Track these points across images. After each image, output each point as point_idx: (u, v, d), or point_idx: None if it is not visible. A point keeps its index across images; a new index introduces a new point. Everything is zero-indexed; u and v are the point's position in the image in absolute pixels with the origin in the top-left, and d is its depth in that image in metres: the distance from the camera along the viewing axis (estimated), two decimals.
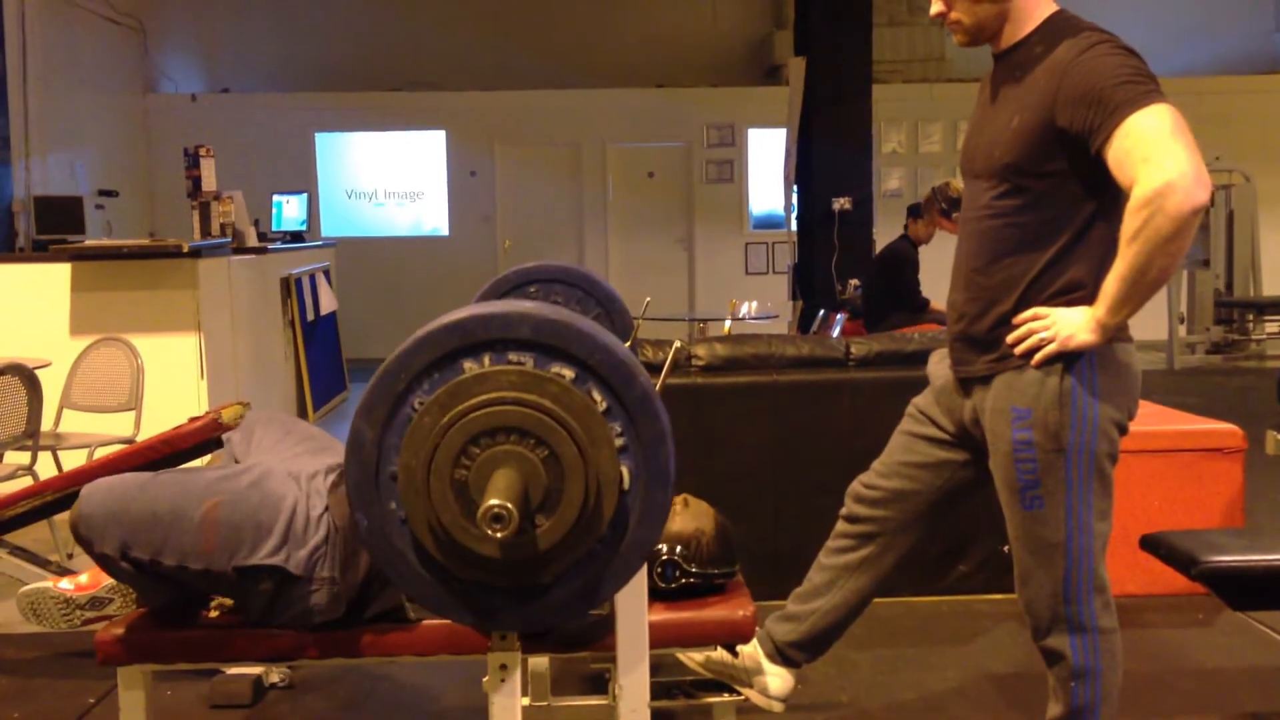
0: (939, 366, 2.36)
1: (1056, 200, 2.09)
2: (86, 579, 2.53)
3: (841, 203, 8.36)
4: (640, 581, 1.81)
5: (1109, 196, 2.03)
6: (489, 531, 1.38)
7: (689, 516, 2.27)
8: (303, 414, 7.48)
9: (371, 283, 10.61)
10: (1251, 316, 10.11)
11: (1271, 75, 11.98)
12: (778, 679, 2.54)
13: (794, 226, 9.01)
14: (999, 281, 2.15)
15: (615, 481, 1.51)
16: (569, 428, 1.46)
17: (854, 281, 7.75)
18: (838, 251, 8.30)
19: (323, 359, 7.95)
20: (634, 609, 1.81)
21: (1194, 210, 1.90)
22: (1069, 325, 2.05)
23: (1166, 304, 9.60)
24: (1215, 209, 9.86)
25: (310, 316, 7.63)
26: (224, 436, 2.41)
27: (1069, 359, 2.07)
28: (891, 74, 11.22)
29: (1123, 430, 2.16)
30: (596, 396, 1.50)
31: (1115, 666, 2.18)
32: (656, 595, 2.16)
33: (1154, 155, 1.90)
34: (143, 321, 5.44)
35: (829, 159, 8.41)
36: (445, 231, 11.63)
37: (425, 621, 2.05)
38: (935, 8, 2.17)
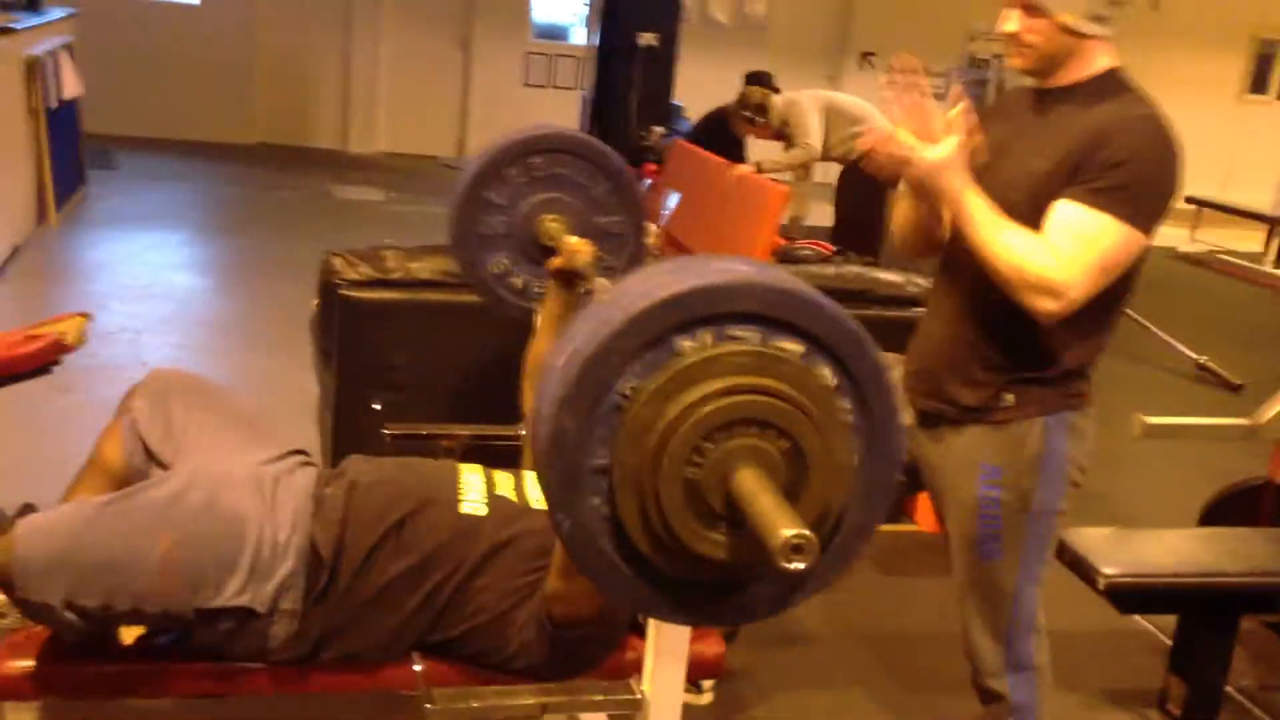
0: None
1: None
2: None
3: (648, 39, 8.04)
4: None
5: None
6: (786, 564, 1.15)
7: None
8: (44, 218, 6.64)
9: (115, 55, 9.43)
10: None
11: None
12: None
13: (584, 42, 8.47)
14: (985, 322, 2.07)
15: (849, 469, 1.33)
16: (810, 414, 1.27)
17: (659, 129, 7.55)
18: (638, 90, 8.01)
19: (63, 151, 7.05)
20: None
21: (1040, 312, 1.91)
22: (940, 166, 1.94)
23: None
24: None
25: (54, 103, 6.69)
26: (129, 418, 2.04)
27: (1052, 426, 2.06)
28: None
29: (1076, 487, 2.18)
30: (825, 373, 1.32)
31: (1046, 698, 2.26)
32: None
33: (1071, 260, 1.88)
34: None
35: None
36: (196, 0, 10.39)
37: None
38: (1009, 25, 1.97)
